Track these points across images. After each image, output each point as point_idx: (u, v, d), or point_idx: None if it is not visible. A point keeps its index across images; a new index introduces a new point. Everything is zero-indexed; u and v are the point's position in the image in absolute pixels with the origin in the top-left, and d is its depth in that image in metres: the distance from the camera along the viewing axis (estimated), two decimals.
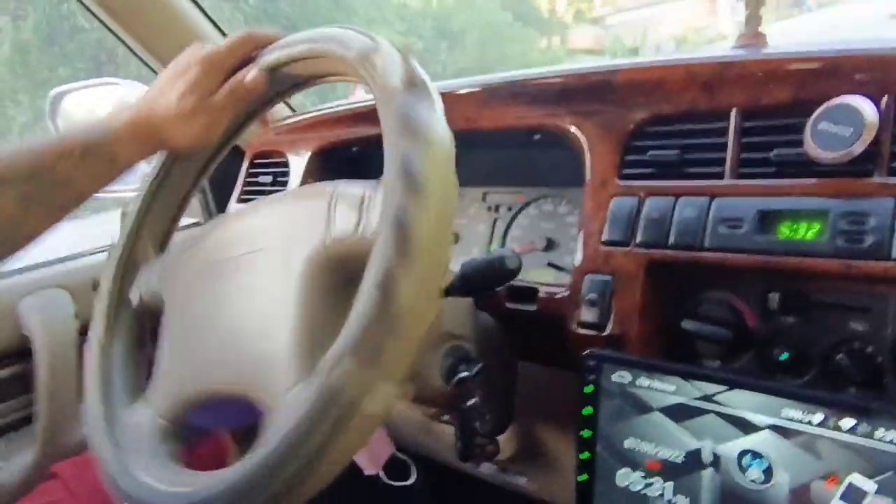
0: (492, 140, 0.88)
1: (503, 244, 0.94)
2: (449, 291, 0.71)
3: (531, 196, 0.93)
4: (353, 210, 0.50)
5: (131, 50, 1.07)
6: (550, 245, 0.89)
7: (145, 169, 0.69)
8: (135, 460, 0.55)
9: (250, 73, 0.59)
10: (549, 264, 0.86)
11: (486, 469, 0.99)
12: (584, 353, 0.62)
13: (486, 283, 0.68)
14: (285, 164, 1.06)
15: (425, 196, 0.44)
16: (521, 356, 0.81)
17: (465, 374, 0.70)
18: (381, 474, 0.92)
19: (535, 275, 0.86)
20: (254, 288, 0.54)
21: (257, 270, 0.54)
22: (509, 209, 0.94)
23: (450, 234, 0.46)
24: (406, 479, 0.94)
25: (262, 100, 0.66)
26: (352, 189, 0.51)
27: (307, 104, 1.17)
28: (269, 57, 0.60)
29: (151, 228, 0.69)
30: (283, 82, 0.63)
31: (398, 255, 0.42)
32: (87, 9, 1.01)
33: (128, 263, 0.67)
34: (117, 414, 0.61)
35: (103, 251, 1.11)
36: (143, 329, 0.68)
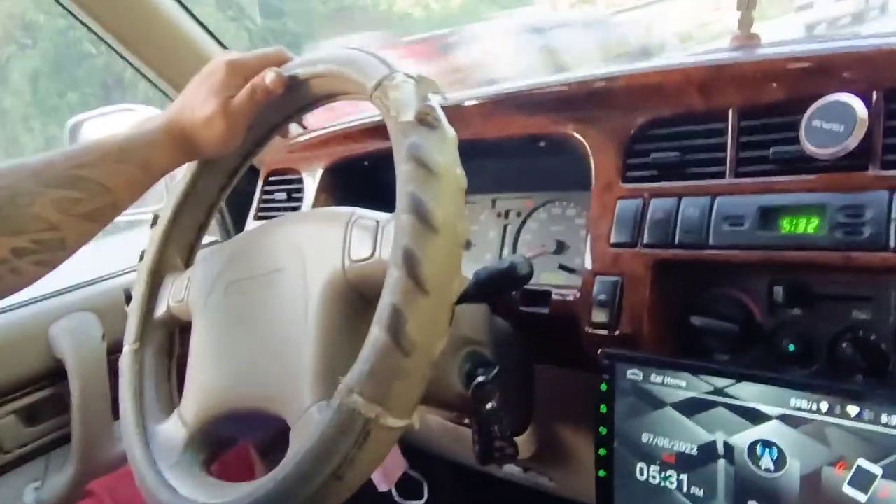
0: (499, 148, 0.89)
1: (514, 249, 0.96)
2: (464, 298, 0.73)
3: (540, 201, 0.95)
4: (368, 235, 0.52)
5: (139, 72, 1.10)
6: (560, 248, 0.91)
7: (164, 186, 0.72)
8: (170, 472, 0.59)
9: (269, 75, 0.60)
10: (561, 266, 0.88)
11: (509, 470, 1.01)
12: (598, 353, 0.64)
13: (499, 288, 0.70)
14: (299, 181, 1.08)
15: (434, 234, 0.45)
16: (537, 359, 0.83)
17: (482, 378, 0.71)
18: (394, 492, 0.94)
19: (547, 278, 0.88)
20: (276, 307, 0.57)
21: (279, 290, 0.57)
22: (518, 214, 0.96)
23: (459, 270, 0.48)
24: (419, 498, 0.95)
25: (283, 114, 0.68)
26: (367, 215, 0.54)
27: None
28: (290, 65, 0.62)
29: (178, 240, 0.72)
30: (302, 98, 0.64)
31: (406, 293, 0.45)
32: (96, 34, 1.04)
33: (156, 274, 0.71)
34: (151, 427, 0.64)
35: (126, 273, 1.15)
36: (172, 339, 0.72)
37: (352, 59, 0.56)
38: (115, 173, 0.58)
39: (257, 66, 0.62)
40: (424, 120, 0.49)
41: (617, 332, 0.68)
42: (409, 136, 0.48)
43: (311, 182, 1.06)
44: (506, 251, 0.97)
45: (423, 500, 0.95)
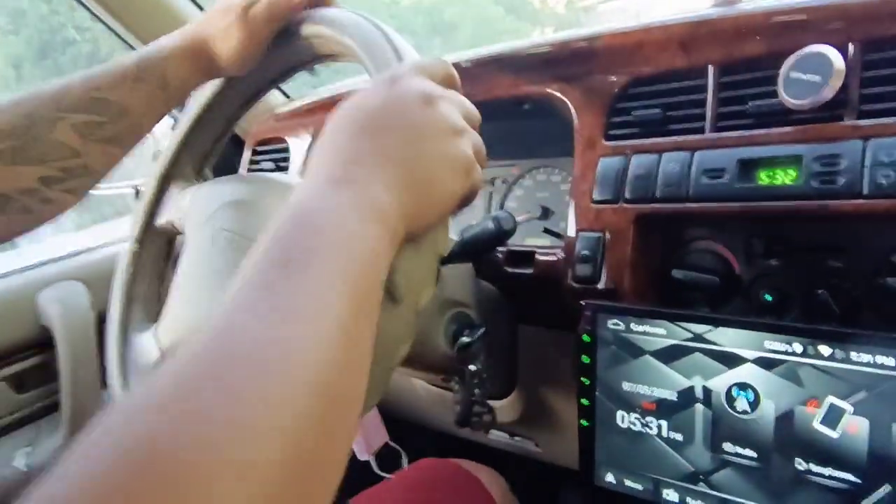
0: (485, 112, 0.89)
1: None
2: (449, 258, 0.74)
3: (525, 167, 0.96)
4: None
5: (122, 39, 1.09)
6: (546, 213, 0.92)
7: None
8: (135, 379, 0.62)
9: None
10: (546, 230, 0.89)
11: (496, 437, 1.02)
12: (581, 304, 0.65)
13: (484, 246, 0.71)
14: (286, 150, 1.08)
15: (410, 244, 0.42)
16: (521, 319, 0.85)
17: (467, 339, 0.73)
18: (373, 462, 0.94)
19: (533, 241, 0.90)
20: None
21: None
22: (504, 181, 0.97)
23: (432, 276, 0.45)
24: (399, 469, 0.95)
25: (308, 56, 0.63)
26: None
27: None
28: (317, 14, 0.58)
29: (193, 147, 0.71)
30: (325, 50, 0.61)
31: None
32: (90, 10, 1.04)
33: (166, 179, 0.71)
34: (132, 335, 0.67)
35: (115, 244, 1.15)
36: (171, 244, 0.73)
37: (369, 42, 0.52)
38: (134, 93, 0.56)
39: None
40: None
41: (599, 286, 0.69)
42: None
43: (299, 150, 1.06)
44: None
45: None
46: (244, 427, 0.21)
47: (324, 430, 0.25)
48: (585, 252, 0.70)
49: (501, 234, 0.69)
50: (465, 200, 0.42)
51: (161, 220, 0.70)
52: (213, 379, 0.22)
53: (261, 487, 0.21)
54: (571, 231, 0.72)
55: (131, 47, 1.10)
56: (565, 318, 0.72)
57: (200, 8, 1.12)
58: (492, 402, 0.79)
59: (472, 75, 0.86)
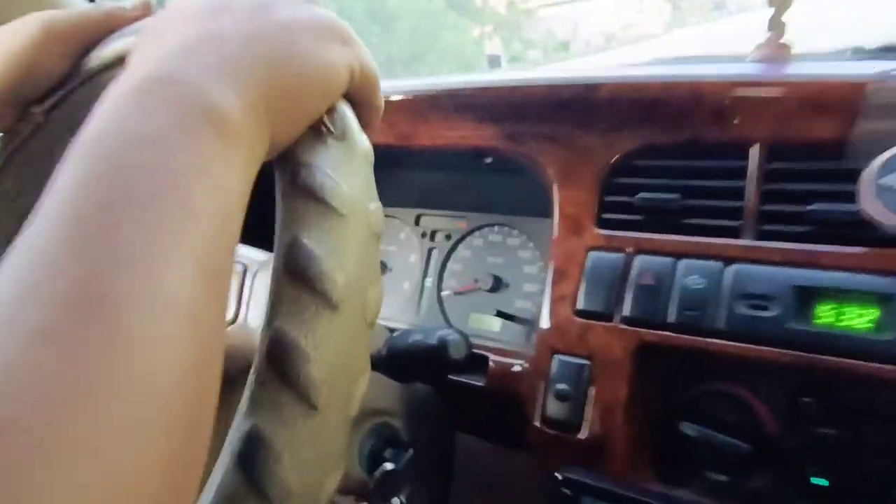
0: (429, 159, 0.72)
1: (440, 280, 0.78)
2: (374, 365, 0.55)
3: (475, 223, 0.78)
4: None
5: None
6: (497, 285, 0.74)
7: None
8: None
9: None
10: (499, 313, 0.70)
11: None
12: (554, 477, 0.45)
13: (419, 372, 0.51)
14: None
15: (330, 313, 0.28)
16: (462, 428, 0.66)
17: (391, 465, 0.56)
18: None
19: (478, 322, 0.72)
20: None
21: None
22: (448, 237, 0.80)
23: (365, 365, 0.30)
24: None
25: None
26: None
27: None
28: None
29: None
30: None
31: (279, 409, 0.28)
32: None
33: None
34: None
35: None
36: None
37: None
38: None
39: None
40: (318, 128, 0.30)
41: (581, 437, 0.49)
42: (295, 155, 0.29)
43: None
44: (428, 282, 0.79)
45: None
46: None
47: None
48: (563, 386, 0.50)
49: (444, 364, 0.49)
50: (359, 90, 0.31)
51: None
52: None
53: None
54: (543, 340, 0.53)
55: None
56: (526, 442, 0.53)
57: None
58: None
59: (419, 114, 0.65)
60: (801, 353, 0.43)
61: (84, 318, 0.18)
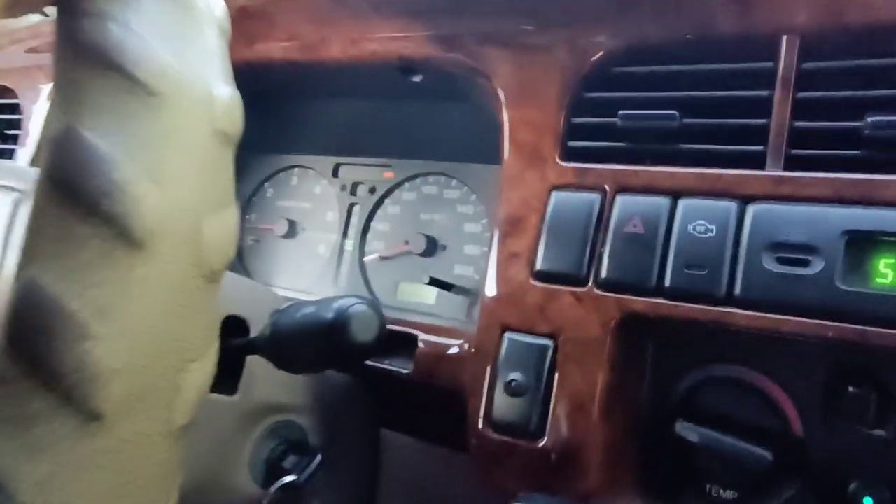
0: (346, 82, 0.62)
1: (362, 242, 0.69)
2: (250, 349, 0.47)
3: (406, 172, 0.70)
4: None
5: None
6: (432, 248, 0.66)
7: None
8: None
9: None
10: (432, 280, 0.61)
11: None
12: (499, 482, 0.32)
13: (312, 358, 0.37)
14: (15, 108, 0.77)
15: (131, 252, 0.21)
16: (389, 425, 0.59)
17: (292, 476, 0.49)
18: None
19: (409, 293, 0.65)
20: None
21: None
22: (372, 191, 0.72)
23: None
24: None
25: None
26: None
27: None
28: None
29: None
30: None
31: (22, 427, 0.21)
32: None
33: None
34: None
35: None
36: None
37: None
38: None
39: None
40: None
41: (541, 445, 0.36)
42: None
43: (36, 108, 0.75)
44: (350, 244, 0.70)
45: None
46: None
47: None
48: (517, 376, 0.37)
49: (346, 348, 0.35)
50: None
51: None
52: None
53: None
54: (488, 313, 0.41)
55: None
56: (465, 441, 0.43)
57: None
58: None
59: (324, 15, 0.55)
60: (854, 326, 0.32)
61: None
